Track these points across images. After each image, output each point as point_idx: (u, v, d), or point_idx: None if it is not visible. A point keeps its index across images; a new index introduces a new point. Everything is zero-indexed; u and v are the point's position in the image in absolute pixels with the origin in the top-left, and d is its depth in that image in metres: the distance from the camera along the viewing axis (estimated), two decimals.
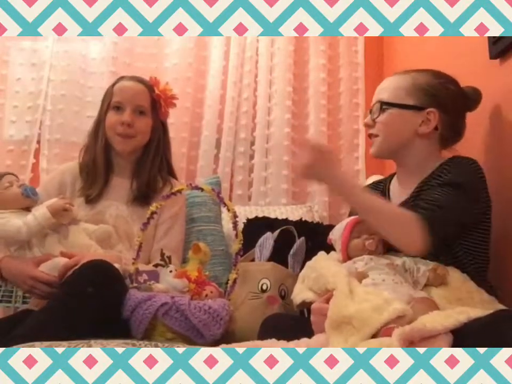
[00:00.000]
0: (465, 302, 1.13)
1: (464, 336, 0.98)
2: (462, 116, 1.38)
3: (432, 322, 0.99)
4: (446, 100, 1.33)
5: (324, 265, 1.29)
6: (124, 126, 1.64)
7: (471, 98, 1.38)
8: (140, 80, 1.72)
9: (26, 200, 1.49)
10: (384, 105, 1.35)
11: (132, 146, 1.68)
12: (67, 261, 1.40)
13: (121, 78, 1.75)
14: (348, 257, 1.29)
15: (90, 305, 1.23)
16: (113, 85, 1.72)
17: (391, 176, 1.49)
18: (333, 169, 1.23)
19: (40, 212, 1.44)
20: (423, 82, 1.34)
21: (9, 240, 1.46)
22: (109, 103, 1.68)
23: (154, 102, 1.71)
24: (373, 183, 1.55)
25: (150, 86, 1.71)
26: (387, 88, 1.38)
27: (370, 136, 1.42)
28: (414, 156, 1.36)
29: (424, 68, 1.41)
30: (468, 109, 1.39)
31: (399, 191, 1.40)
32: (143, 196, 1.67)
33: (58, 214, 1.45)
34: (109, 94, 1.70)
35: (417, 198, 1.28)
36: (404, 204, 1.31)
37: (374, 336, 1.03)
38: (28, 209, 1.49)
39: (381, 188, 1.47)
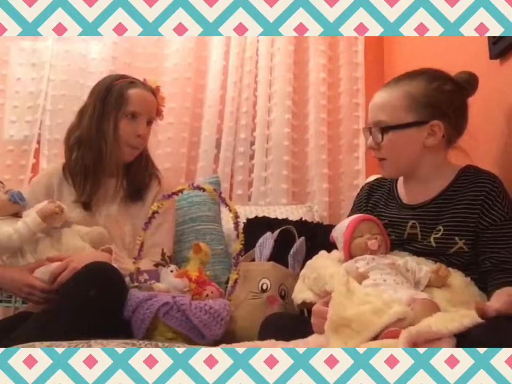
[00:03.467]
0: (470, 306, 1.11)
1: (467, 340, 0.97)
2: (464, 110, 1.32)
3: (437, 325, 0.99)
4: (446, 106, 1.28)
5: (322, 266, 1.29)
6: (138, 139, 1.64)
7: (468, 87, 1.33)
8: (151, 90, 1.70)
9: (14, 206, 1.45)
10: (386, 130, 1.29)
11: (135, 156, 1.69)
12: (57, 265, 1.39)
13: (133, 83, 1.66)
14: (349, 256, 1.29)
15: (92, 307, 1.22)
16: (125, 89, 1.63)
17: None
18: None
19: (30, 217, 1.41)
20: (419, 93, 1.28)
21: (0, 249, 1.42)
22: (123, 109, 1.62)
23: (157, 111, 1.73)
24: (376, 180, 1.53)
25: (156, 95, 1.71)
26: (383, 108, 1.31)
27: (379, 159, 1.36)
28: (425, 167, 1.33)
29: (424, 68, 1.39)
30: (467, 98, 1.34)
31: (415, 193, 1.36)
32: (135, 193, 1.67)
33: (48, 218, 1.42)
34: (124, 99, 1.62)
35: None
36: (423, 206, 1.31)
37: (374, 339, 1.03)
38: (16, 215, 1.45)
39: (387, 186, 1.45)
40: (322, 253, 1.38)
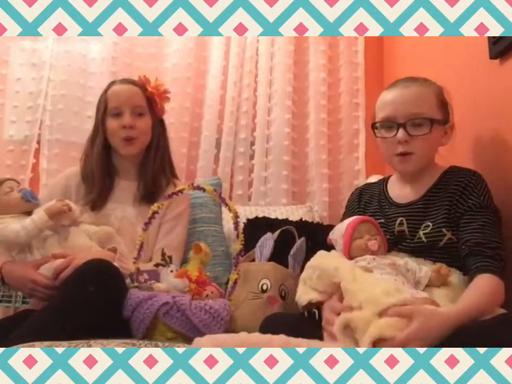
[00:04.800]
0: None
1: (465, 338, 0.98)
2: None
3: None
4: (449, 110, 1.38)
5: (324, 262, 1.30)
6: (125, 129, 1.65)
7: None
8: (131, 81, 1.72)
9: (27, 205, 1.49)
10: (425, 121, 1.31)
11: (137, 149, 1.70)
12: (60, 262, 1.40)
13: (112, 83, 1.74)
14: (349, 257, 1.30)
15: (91, 305, 1.23)
16: (105, 91, 1.71)
17: (385, 179, 1.52)
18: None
19: (38, 215, 1.45)
20: (440, 93, 1.36)
21: (9, 245, 1.46)
22: (105, 110, 1.68)
23: (150, 101, 1.72)
24: (365, 184, 1.58)
25: (142, 85, 1.71)
26: (422, 102, 1.32)
27: (403, 154, 1.33)
28: (428, 165, 1.38)
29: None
30: None
31: (404, 193, 1.41)
32: (149, 195, 1.68)
33: (56, 216, 1.45)
34: (103, 100, 1.69)
35: (449, 219, 1.28)
36: (411, 205, 1.36)
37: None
38: (29, 213, 1.49)
39: (376, 191, 1.49)
40: (321, 252, 1.38)
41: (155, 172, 1.71)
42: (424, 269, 1.22)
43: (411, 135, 1.31)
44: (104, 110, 1.68)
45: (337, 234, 1.36)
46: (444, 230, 1.27)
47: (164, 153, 1.75)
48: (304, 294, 1.31)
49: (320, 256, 1.36)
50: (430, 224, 1.29)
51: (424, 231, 1.29)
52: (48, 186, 1.79)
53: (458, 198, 1.29)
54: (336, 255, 1.34)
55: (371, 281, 1.15)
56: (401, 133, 1.32)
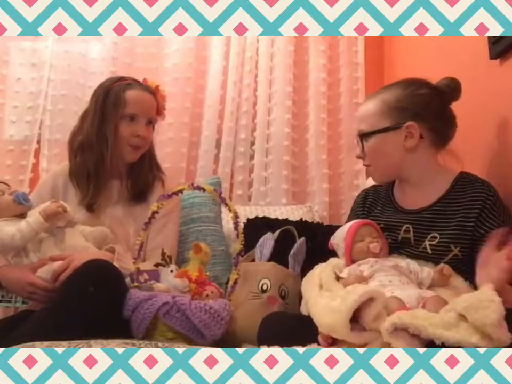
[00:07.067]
0: None
1: None
2: (442, 113, 1.36)
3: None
4: (420, 108, 1.33)
5: (306, 289, 1.29)
6: (138, 138, 1.65)
7: (448, 91, 1.37)
8: (149, 90, 1.70)
9: (19, 207, 1.46)
10: (364, 136, 1.38)
11: (139, 156, 1.70)
12: (59, 264, 1.39)
13: (129, 85, 1.67)
14: (351, 261, 1.30)
15: (91, 305, 1.23)
16: (123, 91, 1.64)
17: (391, 183, 1.49)
18: None
19: (33, 217, 1.43)
20: (392, 99, 1.34)
21: (5, 248, 1.44)
22: (121, 112, 1.63)
23: (157, 110, 1.73)
24: (372, 186, 1.56)
25: (156, 96, 1.71)
26: (363, 118, 1.40)
27: (366, 166, 1.46)
28: (413, 170, 1.37)
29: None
30: (448, 102, 1.38)
31: (413, 199, 1.38)
32: (139, 194, 1.68)
33: (51, 218, 1.44)
34: (121, 102, 1.63)
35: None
36: (419, 212, 1.33)
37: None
38: (22, 216, 1.47)
39: (383, 192, 1.48)
40: (309, 275, 1.34)
41: (144, 173, 1.71)
42: (426, 269, 1.22)
43: (364, 150, 1.39)
44: (120, 111, 1.63)
45: (338, 238, 1.36)
46: (451, 246, 1.26)
47: (151, 151, 1.76)
48: (305, 308, 1.30)
49: (307, 280, 1.32)
50: (438, 236, 1.28)
51: (430, 242, 1.28)
52: (37, 187, 1.77)
53: (477, 215, 1.25)
54: (335, 263, 1.32)
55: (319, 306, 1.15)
56: (358, 149, 1.43)
